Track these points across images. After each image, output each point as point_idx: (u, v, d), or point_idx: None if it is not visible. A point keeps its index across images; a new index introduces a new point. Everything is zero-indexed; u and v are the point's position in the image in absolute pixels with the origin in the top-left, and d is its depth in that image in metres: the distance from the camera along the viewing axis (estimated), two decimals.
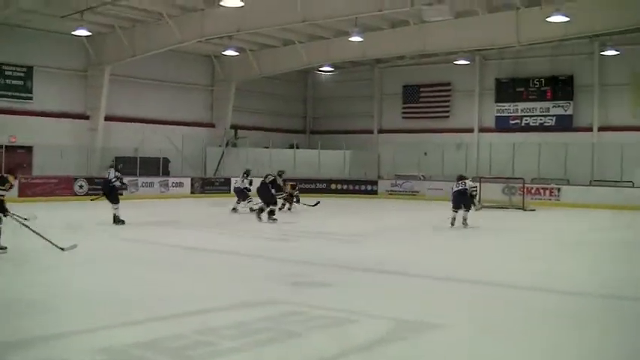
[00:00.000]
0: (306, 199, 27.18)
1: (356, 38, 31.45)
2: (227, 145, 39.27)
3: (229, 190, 35.03)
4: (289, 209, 26.19)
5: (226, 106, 39.62)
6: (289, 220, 22.82)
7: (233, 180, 35.28)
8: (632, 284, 11.84)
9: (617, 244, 18.24)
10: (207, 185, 35.43)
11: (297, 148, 41.21)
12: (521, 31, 30.27)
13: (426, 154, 39.13)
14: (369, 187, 38.00)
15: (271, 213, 21.94)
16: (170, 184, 33.46)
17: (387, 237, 19.00)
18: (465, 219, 21.16)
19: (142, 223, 19.32)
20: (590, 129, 35.46)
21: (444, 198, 33.23)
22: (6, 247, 13.30)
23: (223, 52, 35.84)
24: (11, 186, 14.00)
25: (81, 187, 29.93)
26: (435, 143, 38.62)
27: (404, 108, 41.88)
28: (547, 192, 32.93)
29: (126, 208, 20.21)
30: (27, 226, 13.52)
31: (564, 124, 36.03)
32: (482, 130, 39.15)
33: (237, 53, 35.80)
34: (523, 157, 35.30)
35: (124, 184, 20.69)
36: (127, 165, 32.40)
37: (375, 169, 41.33)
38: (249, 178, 25.69)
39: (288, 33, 34.33)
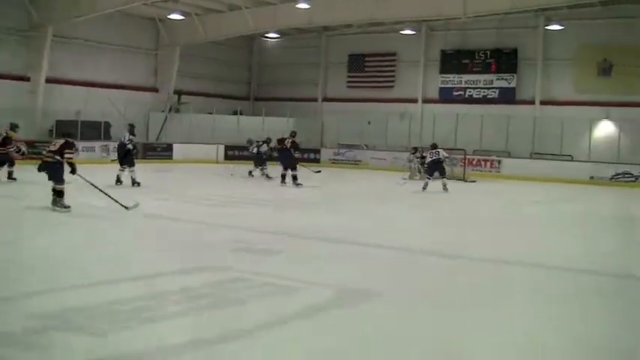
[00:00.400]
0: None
1: (303, 5, 31.34)
2: (170, 110, 38.85)
3: (171, 155, 34.80)
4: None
5: (170, 70, 39.05)
6: (234, 187, 22.81)
7: (175, 146, 35.02)
8: (574, 255, 12.05)
9: (558, 216, 18.56)
10: (150, 151, 34.94)
11: (241, 114, 40.98)
12: (468, 3, 30.48)
13: (369, 123, 39.22)
14: (312, 156, 37.96)
15: (294, 178, 23.17)
16: (111, 149, 32.81)
17: (330, 205, 19.05)
18: (444, 185, 23.09)
19: (83, 188, 19.03)
20: (532, 102, 35.79)
21: (386, 167, 33.76)
22: (70, 207, 14.36)
23: (168, 16, 35.36)
24: (76, 149, 15.66)
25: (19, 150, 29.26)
26: (379, 113, 38.73)
27: (349, 77, 41.82)
28: (488, 164, 33.34)
29: (66, 172, 19.96)
30: (93, 185, 15.02)
31: (507, 96, 36.31)
32: (425, 100, 39.27)
33: (182, 17, 35.36)
34: (466, 129, 35.60)
35: (134, 147, 21.01)
36: (68, 128, 31.88)
37: (319, 138, 41.34)
38: (269, 145, 26.71)
39: None
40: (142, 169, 28.53)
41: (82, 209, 14.69)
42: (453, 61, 37.87)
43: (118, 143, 21.62)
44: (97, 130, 33.52)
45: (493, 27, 36.03)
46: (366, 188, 25.71)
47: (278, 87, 44.39)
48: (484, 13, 32.57)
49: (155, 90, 39.63)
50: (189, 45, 39.07)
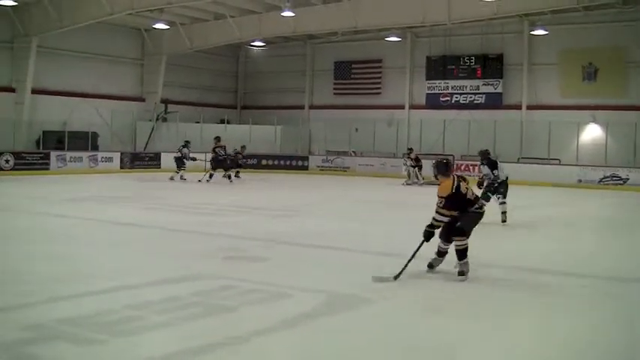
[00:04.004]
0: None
1: (288, 13, 31.39)
2: (157, 119, 38.76)
3: (159, 165, 34.68)
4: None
5: (156, 80, 39.02)
6: (223, 195, 22.76)
7: (163, 155, 34.83)
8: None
9: (551, 221, 18.57)
10: (137, 160, 34.91)
11: (228, 123, 40.94)
12: (453, 9, 30.64)
13: (357, 130, 39.31)
14: (300, 163, 38.06)
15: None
16: (99, 159, 32.90)
17: (319, 211, 19.02)
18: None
19: (74, 199, 18.94)
20: (519, 107, 35.91)
21: (374, 174, 33.78)
22: None
23: (154, 26, 35.29)
24: None
25: (7, 161, 29.17)
26: (366, 119, 38.79)
27: (335, 84, 41.86)
28: (476, 169, 33.30)
29: (54, 183, 19.87)
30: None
31: (494, 101, 36.41)
32: (413, 107, 39.34)
33: (167, 27, 35.33)
34: (453, 134, 35.74)
35: None
36: (56, 139, 31.90)
37: (307, 145, 41.38)
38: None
39: (219, 7, 34.00)
40: (129, 178, 28.57)
41: (62, 220, 14.57)
42: (439, 67, 37.94)
43: None
44: (84, 141, 33.40)
45: (478, 33, 36.20)
46: (350, 194, 25.60)
47: (265, 95, 44.44)
48: (468, 19, 32.75)
49: (142, 99, 39.55)
50: (175, 54, 39.03)
